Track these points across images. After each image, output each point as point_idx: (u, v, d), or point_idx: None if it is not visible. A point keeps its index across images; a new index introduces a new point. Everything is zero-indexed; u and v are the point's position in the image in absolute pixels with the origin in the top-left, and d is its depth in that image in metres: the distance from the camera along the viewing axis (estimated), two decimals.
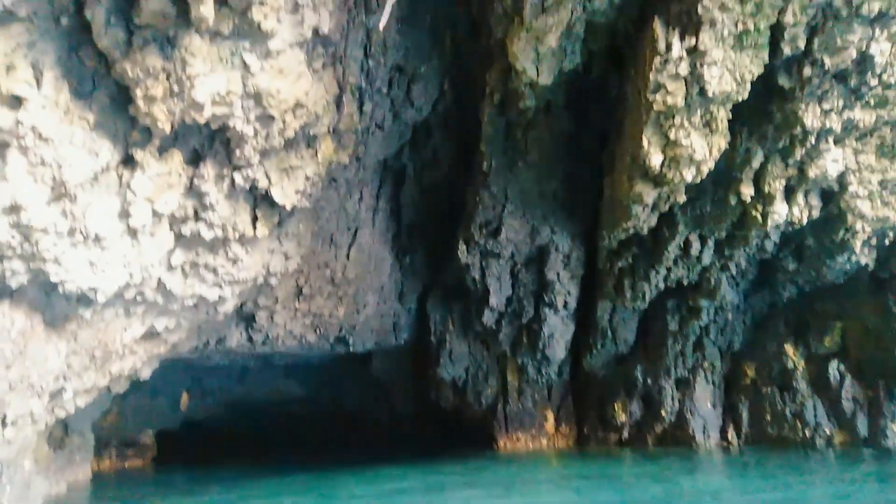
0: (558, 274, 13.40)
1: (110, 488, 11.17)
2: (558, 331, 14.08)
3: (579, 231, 13.04)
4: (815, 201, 9.73)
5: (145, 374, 10.01)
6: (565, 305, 13.75)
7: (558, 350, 14.27)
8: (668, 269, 11.71)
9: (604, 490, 9.12)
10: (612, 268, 12.65)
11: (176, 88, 7.05)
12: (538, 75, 9.62)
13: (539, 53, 9.32)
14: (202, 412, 16.75)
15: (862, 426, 11.08)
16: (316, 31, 7.97)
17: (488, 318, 14.22)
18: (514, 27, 9.23)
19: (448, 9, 11.46)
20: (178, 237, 8.35)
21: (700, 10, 7.95)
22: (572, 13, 8.89)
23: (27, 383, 6.95)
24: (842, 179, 9.46)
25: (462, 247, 13.38)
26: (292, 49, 7.78)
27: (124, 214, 7.39)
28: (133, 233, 7.54)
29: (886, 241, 10.29)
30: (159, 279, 8.31)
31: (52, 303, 7.19)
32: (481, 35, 11.16)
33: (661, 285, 12.19)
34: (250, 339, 11.98)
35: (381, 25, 8.58)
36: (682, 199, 9.91)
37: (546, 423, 15.31)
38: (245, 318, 11.62)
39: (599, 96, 11.46)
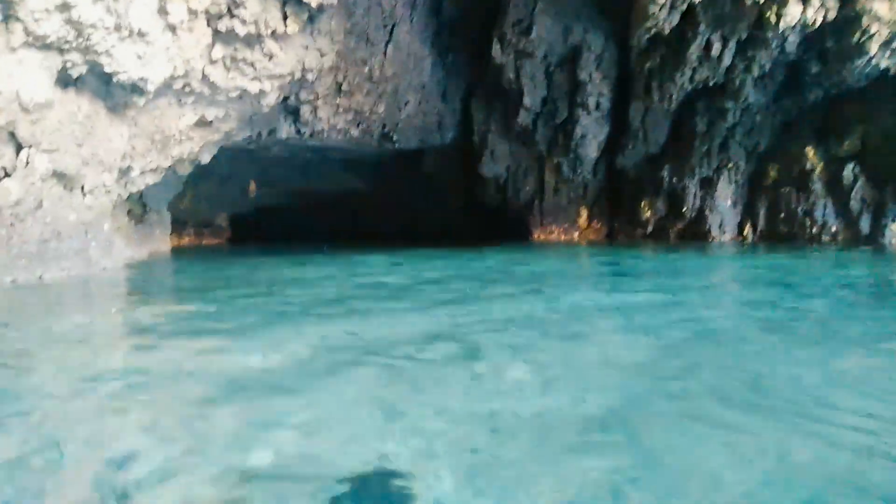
0: (591, 75, 13.59)
1: (190, 256, 13.09)
2: (591, 131, 14.57)
3: (612, 31, 12.97)
4: (832, 3, 9.39)
5: (205, 158, 11.47)
6: (598, 106, 14.09)
7: (590, 150, 14.87)
8: (693, 70, 11.78)
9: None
10: (642, 69, 12.76)
11: None
12: None
13: None
14: (270, 199, 18.60)
15: (865, 225, 11.57)
16: None
17: (524, 118, 14.78)
18: None
19: None
20: (216, 33, 9.26)
21: None
22: None
23: (97, 160, 8.46)
24: None
25: (496, 46, 13.63)
26: None
27: (163, 11, 8.30)
28: (172, 28, 8.50)
29: None
30: (202, 71, 9.38)
31: (110, 91, 8.44)
32: None
33: (688, 86, 12.31)
34: (298, 131, 13.07)
35: None
36: None
37: (579, 218, 16.35)
38: (291, 111, 12.65)
39: None
